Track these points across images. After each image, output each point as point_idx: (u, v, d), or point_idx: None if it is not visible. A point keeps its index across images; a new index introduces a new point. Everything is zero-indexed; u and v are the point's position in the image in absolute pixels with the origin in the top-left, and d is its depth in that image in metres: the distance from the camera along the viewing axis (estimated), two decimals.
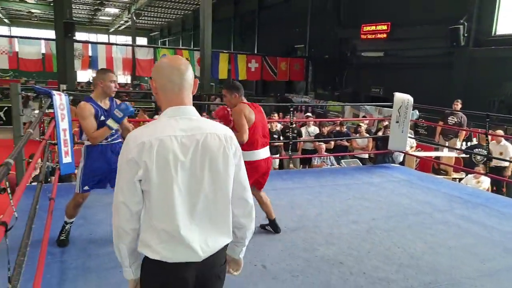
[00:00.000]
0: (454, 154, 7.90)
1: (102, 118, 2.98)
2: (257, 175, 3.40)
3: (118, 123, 2.98)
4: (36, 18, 34.20)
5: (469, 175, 6.78)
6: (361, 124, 8.48)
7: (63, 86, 13.90)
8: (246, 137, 3.25)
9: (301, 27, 17.03)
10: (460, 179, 7.31)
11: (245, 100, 3.43)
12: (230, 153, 1.45)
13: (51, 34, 37.10)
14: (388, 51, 13.11)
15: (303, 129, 8.58)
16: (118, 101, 3.20)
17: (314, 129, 8.55)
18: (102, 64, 14.96)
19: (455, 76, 10.74)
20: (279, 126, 8.62)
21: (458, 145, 8.26)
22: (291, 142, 6.35)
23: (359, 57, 14.37)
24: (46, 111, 4.65)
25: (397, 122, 6.45)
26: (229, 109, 3.52)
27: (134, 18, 28.81)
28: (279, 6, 18.59)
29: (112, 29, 40.99)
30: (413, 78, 12.09)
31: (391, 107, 6.70)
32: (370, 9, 13.47)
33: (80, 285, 2.61)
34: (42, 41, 15.04)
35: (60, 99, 4.55)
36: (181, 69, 1.44)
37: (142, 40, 41.73)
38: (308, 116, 9.77)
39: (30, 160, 5.52)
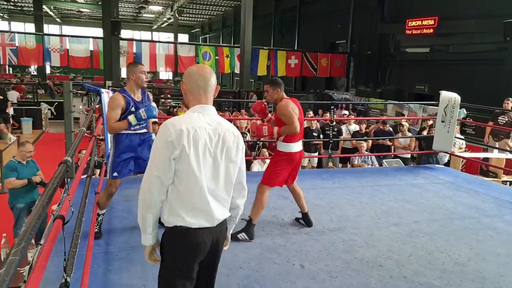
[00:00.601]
0: (505, 156, 7.48)
1: (133, 109, 3.11)
2: (291, 166, 3.52)
3: (137, 121, 3.11)
4: (85, 17, 35.81)
5: None
6: (403, 123, 8.20)
7: (109, 83, 14.51)
8: (297, 128, 3.38)
9: (343, 23, 16.70)
10: None
11: (285, 96, 3.52)
12: (240, 147, 1.84)
13: (98, 32, 38.82)
14: (434, 46, 12.58)
15: (343, 127, 8.46)
16: (151, 96, 3.36)
17: (354, 127, 8.40)
18: (145, 61, 15.44)
19: (508, 74, 10.14)
20: (318, 124, 8.54)
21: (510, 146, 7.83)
22: (331, 141, 6.28)
23: (404, 53, 13.89)
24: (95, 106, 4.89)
25: (443, 121, 6.20)
26: (265, 104, 3.69)
27: (177, 15, 29.43)
28: (320, 1, 18.33)
29: (155, 26, 42.12)
30: (461, 75, 11.54)
31: (436, 105, 6.45)
32: (416, 3, 12.97)
33: (125, 276, 2.72)
34: (91, 39, 15.72)
35: (108, 97, 4.78)
36: (206, 76, 1.80)
37: (183, 37, 42.58)
38: (344, 114, 9.57)
39: (81, 154, 5.83)
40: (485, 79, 10.82)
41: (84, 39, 15.73)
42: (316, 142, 7.79)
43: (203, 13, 33.34)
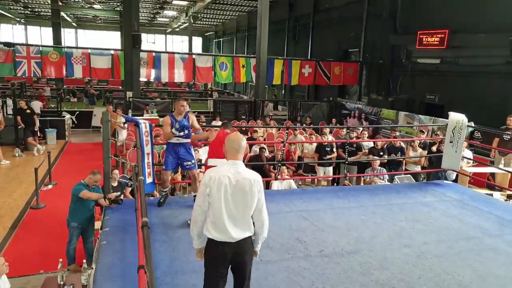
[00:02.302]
0: (510, 169, 7.88)
1: (177, 125, 4.89)
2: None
3: (178, 132, 4.90)
4: (101, 21, 36.67)
5: None
6: (415, 140, 8.68)
7: (129, 94, 15.17)
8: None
9: (356, 31, 17.10)
10: None
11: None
12: (255, 190, 2.69)
13: (114, 35, 39.72)
14: (445, 58, 12.94)
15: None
16: (191, 115, 5.10)
17: (368, 143, 8.89)
18: (164, 72, 16.05)
19: None
20: (330, 138, 8.99)
21: None
22: (346, 162, 6.77)
23: (415, 63, 14.27)
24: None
25: (451, 142, 6.66)
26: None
27: (191, 20, 30.06)
28: (334, 10, 18.72)
29: (169, 30, 42.86)
30: (470, 86, 11.92)
31: (445, 117, 6.83)
32: (427, 16, 13.33)
33: None
34: (112, 51, 16.38)
35: (145, 127, 5.38)
36: (239, 142, 2.76)
37: (197, 40, 43.25)
38: (358, 129, 10.04)
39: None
40: (493, 92, 11.19)
41: (106, 51, 16.37)
42: (330, 157, 8.29)
43: (217, 17, 33.94)
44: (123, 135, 11.30)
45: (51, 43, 26.21)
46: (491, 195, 7.17)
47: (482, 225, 5.13)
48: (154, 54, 16.23)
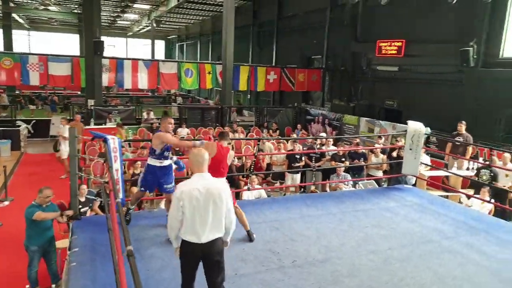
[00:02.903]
0: (459, 175, 8.41)
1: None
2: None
3: (169, 152, 4.82)
4: (57, 23, 35.32)
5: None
6: (380, 144, 9.10)
7: (91, 102, 14.78)
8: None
9: (318, 39, 17.60)
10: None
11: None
12: (223, 197, 3.13)
13: (71, 38, 38.23)
14: (402, 66, 13.65)
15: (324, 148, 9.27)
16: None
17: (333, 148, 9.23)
18: (128, 79, 15.78)
19: (465, 94, 11.30)
20: (300, 147, 9.26)
21: (465, 164, 8.82)
22: (314, 170, 7.02)
23: (375, 70, 14.92)
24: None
25: (411, 149, 7.06)
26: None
27: (154, 24, 29.67)
28: (297, 17, 19.17)
29: (130, 33, 42.03)
30: (426, 93, 12.64)
31: (403, 122, 7.21)
32: (385, 26, 14.00)
33: None
34: (71, 57, 15.90)
35: (114, 143, 5.32)
36: (202, 155, 3.19)
37: (160, 44, 42.66)
38: (322, 134, 10.39)
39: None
40: (446, 98, 11.95)
41: (65, 57, 15.86)
42: (299, 165, 8.54)
43: (180, 21, 33.67)
44: (66, 146, 10.73)
45: (0, 47, 24.97)
46: (447, 197, 7.68)
47: (440, 228, 5.49)
48: (117, 60, 15.93)
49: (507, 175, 7.72)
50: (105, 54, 15.43)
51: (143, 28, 36.76)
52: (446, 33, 11.70)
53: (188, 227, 3.08)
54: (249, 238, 4.71)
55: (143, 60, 16.25)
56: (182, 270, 3.21)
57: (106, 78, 15.67)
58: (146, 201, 8.53)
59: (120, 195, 5.21)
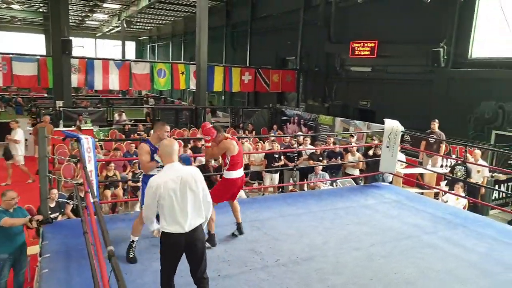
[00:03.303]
0: (434, 171, 8.61)
1: (155, 155, 4.10)
2: (232, 190, 4.64)
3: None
4: (20, 22, 33.93)
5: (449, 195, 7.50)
6: (352, 142, 9.18)
7: (59, 103, 14.20)
8: (214, 155, 4.92)
9: (292, 40, 17.67)
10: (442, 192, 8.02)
11: (228, 135, 4.61)
12: (198, 181, 3.16)
13: (37, 38, 36.80)
14: (375, 66, 13.88)
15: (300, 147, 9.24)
16: (181, 145, 4.55)
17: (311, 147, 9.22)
18: (98, 80, 15.28)
19: (436, 94, 11.61)
20: (276, 145, 9.21)
21: (439, 162, 9.03)
22: (295, 169, 6.96)
23: (348, 71, 15.12)
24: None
25: (388, 147, 7.12)
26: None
27: (124, 24, 29.02)
28: (271, 18, 19.17)
29: (100, 34, 40.97)
30: (398, 93, 12.89)
31: (378, 122, 7.28)
32: (358, 27, 14.21)
33: None
34: (38, 56, 15.25)
35: (87, 143, 5.08)
36: (172, 146, 3.20)
37: (130, 45, 41.79)
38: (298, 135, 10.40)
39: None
40: (418, 97, 12.23)
41: (30, 57, 15.19)
42: (278, 164, 8.49)
43: (151, 22, 33.10)
44: (20, 150, 10.06)
45: None
46: (422, 193, 7.82)
47: (419, 223, 5.56)
48: (86, 60, 15.40)
49: (478, 171, 7.94)
50: (73, 55, 14.90)
51: (113, 29, 35.89)
52: (418, 34, 11.99)
53: (169, 219, 3.07)
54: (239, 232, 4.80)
55: (114, 60, 15.79)
56: (164, 263, 3.15)
57: (75, 79, 15.09)
58: (120, 204, 8.27)
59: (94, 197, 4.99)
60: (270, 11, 19.24)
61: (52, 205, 5.97)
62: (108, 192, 7.87)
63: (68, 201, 6.29)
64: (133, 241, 4.06)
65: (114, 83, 15.70)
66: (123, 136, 12.79)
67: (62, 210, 6.27)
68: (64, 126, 13.08)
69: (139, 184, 4.51)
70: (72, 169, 8.91)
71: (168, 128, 4.33)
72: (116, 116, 15.49)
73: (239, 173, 4.59)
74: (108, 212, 7.68)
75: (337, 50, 15.36)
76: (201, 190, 3.18)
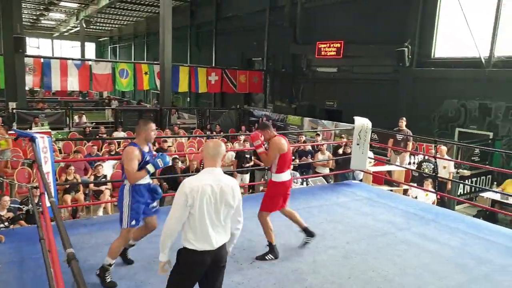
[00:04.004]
0: (404, 168, 8.76)
1: (148, 158, 3.50)
2: (284, 194, 4.31)
3: (155, 169, 3.50)
4: None
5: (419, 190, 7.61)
6: (318, 140, 9.17)
7: (13, 104, 13.34)
8: (269, 162, 4.21)
9: (258, 41, 17.57)
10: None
11: (276, 133, 4.21)
12: (235, 195, 2.67)
13: None
14: (341, 67, 14.01)
15: None
16: (152, 147, 3.89)
17: None
18: (56, 80, 14.48)
19: (401, 93, 11.84)
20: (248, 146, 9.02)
21: (407, 159, 9.16)
22: (267, 168, 6.75)
23: (315, 71, 15.19)
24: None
25: (358, 144, 7.10)
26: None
27: (84, 24, 27.90)
28: (236, 18, 18.98)
29: (57, 34, 39.26)
30: (364, 92, 13.06)
31: (346, 122, 7.26)
32: (324, 28, 14.31)
33: None
34: None
35: (43, 142, 4.68)
36: (217, 148, 2.71)
37: (90, 46, 40.33)
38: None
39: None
40: (384, 97, 12.42)
41: None
42: (249, 165, 8.28)
43: (112, 22, 32.05)
44: None
45: None
46: (391, 191, 7.87)
47: (392, 220, 5.53)
48: (42, 60, 14.56)
49: (445, 167, 8.10)
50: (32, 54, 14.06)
51: (72, 29, 34.47)
52: (383, 34, 12.19)
53: (198, 232, 2.56)
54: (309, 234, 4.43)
55: (73, 59, 15.01)
56: (178, 286, 2.66)
57: (30, 80, 14.23)
58: (82, 209, 7.77)
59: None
60: (235, 11, 19.06)
61: (3, 213, 5.46)
62: (68, 197, 7.37)
63: (22, 206, 5.78)
64: (110, 264, 3.43)
65: (73, 84, 14.92)
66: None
67: (15, 217, 5.76)
68: (18, 129, 12.26)
69: (125, 199, 3.50)
70: (27, 174, 8.31)
71: (153, 125, 3.59)
72: (76, 118, 14.77)
73: (288, 175, 4.26)
74: (68, 217, 7.18)
75: (303, 51, 15.39)
76: (236, 206, 2.71)
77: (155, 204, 3.69)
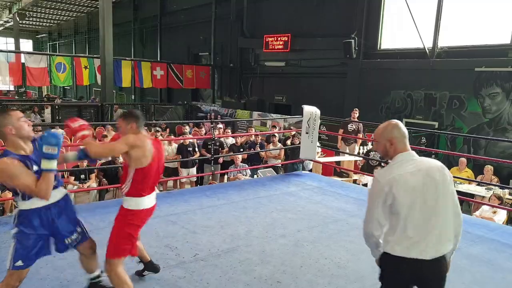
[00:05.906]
0: (354, 158, 8.77)
1: (35, 167, 2.33)
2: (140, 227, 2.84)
3: (55, 159, 2.32)
4: None
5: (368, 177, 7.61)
6: (275, 134, 8.95)
7: None
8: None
9: (205, 35, 17.10)
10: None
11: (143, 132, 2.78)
12: (447, 180, 2.04)
13: None
14: (289, 61, 13.92)
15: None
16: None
17: (231, 140, 8.75)
18: None
19: (349, 85, 11.93)
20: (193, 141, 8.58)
21: (356, 149, 9.18)
22: (212, 158, 6.41)
23: (263, 66, 15.00)
24: None
25: (307, 133, 6.92)
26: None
27: (17, 18, 25.83)
28: (182, 12, 18.37)
29: None
30: (313, 86, 13.05)
31: (295, 116, 7.10)
32: (271, 21, 14.15)
33: None
34: None
35: None
36: (403, 128, 2.14)
37: (27, 43, 37.66)
38: (220, 128, 9.89)
39: None
40: (332, 90, 12.48)
41: None
42: (194, 157, 7.85)
43: (50, 17, 30.00)
44: None
45: None
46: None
47: (344, 207, 5.38)
48: None
49: None
50: None
51: (4, 24, 31.86)
52: (330, 26, 12.23)
53: (402, 235, 1.99)
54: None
55: (3, 51, 13.69)
56: None
57: None
58: (10, 209, 6.93)
59: None
60: (180, 5, 18.44)
61: None
62: None
63: None
64: None
65: (4, 80, 13.66)
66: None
67: None
68: None
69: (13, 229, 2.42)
70: None
71: (18, 114, 2.38)
72: None
73: (151, 200, 2.91)
74: None
75: (251, 45, 15.16)
76: (450, 195, 2.06)
77: (75, 234, 2.59)
